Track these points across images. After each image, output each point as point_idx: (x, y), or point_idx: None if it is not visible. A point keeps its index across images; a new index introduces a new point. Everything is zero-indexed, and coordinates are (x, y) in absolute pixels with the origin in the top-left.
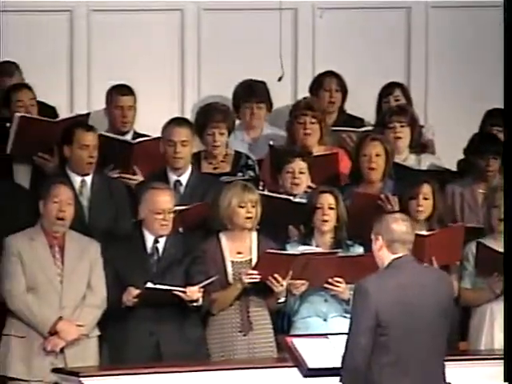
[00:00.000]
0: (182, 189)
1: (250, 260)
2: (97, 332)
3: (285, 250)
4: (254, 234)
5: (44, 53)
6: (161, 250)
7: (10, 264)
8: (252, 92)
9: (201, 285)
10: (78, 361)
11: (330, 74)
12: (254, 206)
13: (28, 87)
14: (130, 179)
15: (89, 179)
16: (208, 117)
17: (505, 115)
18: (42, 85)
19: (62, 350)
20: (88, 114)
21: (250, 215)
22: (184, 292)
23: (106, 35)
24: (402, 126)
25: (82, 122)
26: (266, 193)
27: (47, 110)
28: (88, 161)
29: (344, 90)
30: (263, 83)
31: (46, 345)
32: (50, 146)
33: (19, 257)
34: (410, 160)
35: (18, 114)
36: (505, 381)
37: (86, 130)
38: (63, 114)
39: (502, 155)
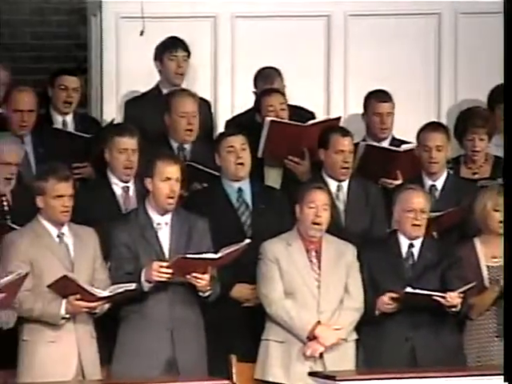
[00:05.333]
0: (437, 193)
1: None
2: (354, 336)
3: None
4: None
5: (303, 58)
6: (416, 254)
7: (268, 269)
8: None
9: (460, 290)
10: (336, 365)
11: None
12: None
13: (279, 92)
14: (390, 183)
15: (345, 184)
16: (468, 122)
17: (505, 115)
18: (300, 90)
19: (321, 355)
20: (339, 118)
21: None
22: (444, 297)
23: (362, 40)
24: None
25: (334, 125)
26: None
27: (306, 114)
28: (342, 165)
29: None
30: None
31: (305, 350)
32: (300, 149)
33: (277, 262)
34: None
35: (268, 119)
36: (505, 381)
37: (342, 136)
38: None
39: (504, 157)
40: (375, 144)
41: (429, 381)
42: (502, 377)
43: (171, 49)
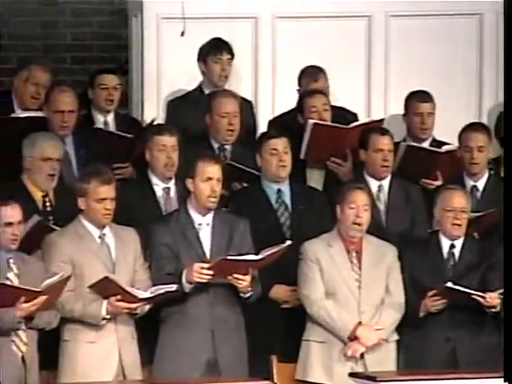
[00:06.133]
0: (478, 194)
1: None
2: (395, 336)
3: None
4: None
5: (344, 58)
6: (457, 255)
7: (309, 269)
8: None
9: (500, 291)
10: (377, 366)
11: None
12: None
13: (321, 92)
14: (430, 184)
15: (386, 184)
16: None
17: (505, 116)
18: (341, 90)
19: (361, 356)
20: (382, 120)
21: None
22: (483, 297)
23: (403, 40)
24: None
25: (376, 127)
26: None
27: (348, 115)
28: (382, 164)
29: None
30: None
31: (346, 350)
32: (343, 151)
33: (317, 262)
34: None
35: (311, 121)
36: (505, 381)
37: (381, 134)
38: (361, 118)
39: (504, 155)
40: (416, 144)
41: (469, 382)
42: (502, 378)
43: (216, 52)
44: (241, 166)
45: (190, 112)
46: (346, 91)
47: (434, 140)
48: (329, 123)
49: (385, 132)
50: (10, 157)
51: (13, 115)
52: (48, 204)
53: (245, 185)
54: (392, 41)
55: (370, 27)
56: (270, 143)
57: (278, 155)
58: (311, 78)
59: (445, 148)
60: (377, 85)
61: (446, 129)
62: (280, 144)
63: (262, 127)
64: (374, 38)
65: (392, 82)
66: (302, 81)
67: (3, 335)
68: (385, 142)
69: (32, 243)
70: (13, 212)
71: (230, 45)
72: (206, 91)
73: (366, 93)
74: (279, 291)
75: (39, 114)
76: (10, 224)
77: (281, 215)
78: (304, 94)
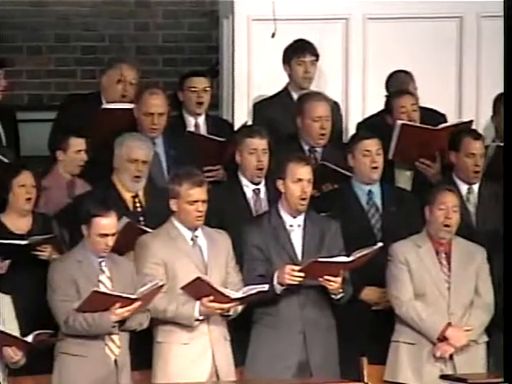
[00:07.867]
0: None
1: None
2: (485, 338)
3: None
4: None
5: (435, 59)
6: None
7: (398, 271)
8: None
9: None
10: (466, 367)
11: None
12: None
13: (410, 93)
14: None
15: (476, 186)
16: None
17: (505, 116)
18: (432, 91)
19: (450, 357)
20: (471, 122)
21: None
22: None
23: (495, 41)
24: None
25: (465, 129)
26: None
27: (437, 117)
28: (474, 169)
29: None
30: None
31: (435, 351)
32: (431, 152)
33: (407, 264)
34: None
35: (399, 122)
36: (505, 381)
37: (474, 139)
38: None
39: (503, 155)
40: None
41: None
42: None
43: (299, 53)
44: (334, 167)
45: (277, 114)
46: (436, 93)
47: None
48: (417, 124)
49: (478, 136)
50: (102, 154)
51: (103, 106)
52: (138, 205)
53: (335, 186)
54: (483, 41)
55: (462, 28)
56: (364, 144)
57: (371, 156)
58: (401, 86)
59: None
60: (468, 86)
61: None
62: (373, 145)
63: (352, 129)
64: (465, 38)
65: (484, 84)
66: (390, 88)
67: (97, 339)
68: (477, 147)
69: (122, 245)
70: (109, 223)
71: (314, 45)
72: (293, 93)
73: (457, 95)
74: (371, 293)
75: (129, 105)
76: (104, 235)
77: (372, 217)
78: (393, 95)
